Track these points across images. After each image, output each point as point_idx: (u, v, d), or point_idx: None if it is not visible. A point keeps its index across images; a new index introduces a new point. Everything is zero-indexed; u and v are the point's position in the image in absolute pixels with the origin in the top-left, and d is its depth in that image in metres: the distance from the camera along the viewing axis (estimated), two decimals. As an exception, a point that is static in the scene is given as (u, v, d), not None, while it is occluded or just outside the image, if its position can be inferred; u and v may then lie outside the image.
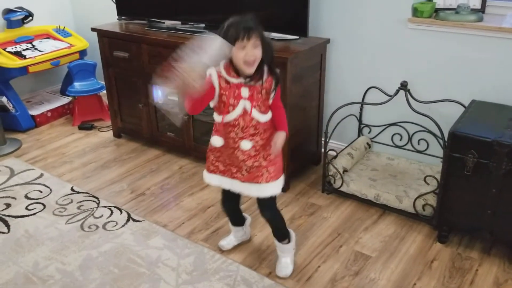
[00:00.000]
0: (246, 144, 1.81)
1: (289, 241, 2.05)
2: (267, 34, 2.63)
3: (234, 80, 1.75)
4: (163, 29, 2.99)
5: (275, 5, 2.58)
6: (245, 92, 1.76)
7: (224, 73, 1.76)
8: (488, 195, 2.02)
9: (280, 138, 1.84)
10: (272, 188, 1.89)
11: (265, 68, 1.76)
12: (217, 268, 2.09)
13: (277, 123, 1.88)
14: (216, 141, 1.86)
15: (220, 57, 1.63)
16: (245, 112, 1.78)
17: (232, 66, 1.73)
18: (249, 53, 1.66)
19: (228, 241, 2.22)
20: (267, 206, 1.96)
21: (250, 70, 1.70)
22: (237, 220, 2.20)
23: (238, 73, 1.74)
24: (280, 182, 1.91)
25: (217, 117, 1.84)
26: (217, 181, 1.95)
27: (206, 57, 1.58)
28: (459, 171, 2.05)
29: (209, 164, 1.94)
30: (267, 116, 1.83)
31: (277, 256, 2.10)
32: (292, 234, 2.07)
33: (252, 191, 1.89)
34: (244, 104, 1.77)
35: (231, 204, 2.11)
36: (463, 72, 2.44)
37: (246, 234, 2.26)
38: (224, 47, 1.60)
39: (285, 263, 2.06)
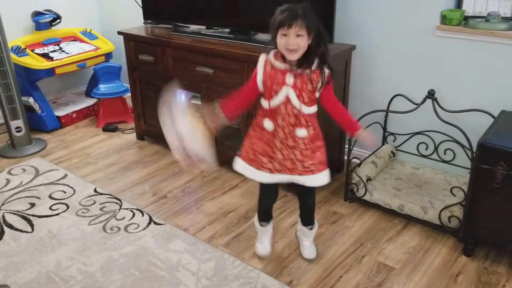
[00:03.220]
0: (301, 132, 1.82)
1: (312, 227, 2.15)
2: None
3: (279, 65, 1.78)
4: (188, 34, 3.01)
5: (301, 10, 2.57)
6: (289, 79, 1.77)
7: (271, 58, 1.80)
8: (517, 208, 1.96)
9: (365, 137, 1.86)
10: (313, 180, 1.92)
11: (316, 60, 1.76)
12: (238, 274, 2.08)
13: (343, 123, 1.89)
14: (267, 124, 1.86)
15: None
16: (287, 100, 1.79)
17: (281, 55, 1.77)
18: (290, 41, 1.68)
19: (264, 245, 2.18)
20: (310, 194, 2.03)
21: (291, 57, 1.72)
22: (268, 215, 2.17)
23: (285, 59, 1.77)
24: (321, 175, 1.93)
25: (262, 102, 1.87)
26: (244, 170, 1.96)
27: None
28: (487, 183, 1.99)
29: (242, 151, 1.98)
30: (311, 109, 1.82)
31: (298, 241, 2.23)
32: (316, 221, 2.17)
33: (284, 179, 1.93)
34: (287, 91, 1.78)
35: (270, 200, 2.11)
36: (492, 81, 2.39)
37: (271, 230, 2.23)
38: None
39: (310, 245, 2.17)
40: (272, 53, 1.82)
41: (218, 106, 1.86)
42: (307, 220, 2.14)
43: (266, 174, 1.92)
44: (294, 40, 1.68)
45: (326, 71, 1.79)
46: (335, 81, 2.60)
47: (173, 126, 1.76)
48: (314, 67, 1.76)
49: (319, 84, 1.79)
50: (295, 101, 1.78)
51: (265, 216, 2.17)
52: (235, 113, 1.90)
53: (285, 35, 1.68)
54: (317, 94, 1.83)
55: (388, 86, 2.72)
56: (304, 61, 1.74)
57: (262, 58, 1.84)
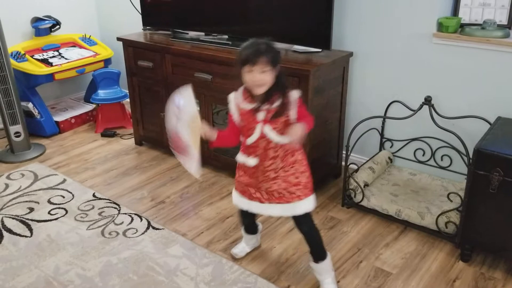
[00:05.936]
0: (281, 163, 1.84)
1: (323, 260, 1.98)
2: (288, 47, 2.68)
3: (247, 106, 1.81)
4: (187, 40, 3.03)
5: (299, 17, 2.59)
6: (261, 115, 1.80)
7: (240, 99, 1.84)
8: (513, 214, 1.98)
9: (297, 127, 1.74)
10: (300, 207, 1.90)
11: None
12: (235, 279, 2.09)
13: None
14: (239, 157, 1.92)
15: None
16: (263, 135, 1.82)
17: (248, 90, 1.80)
18: (255, 77, 1.71)
19: (241, 249, 2.25)
20: (302, 222, 1.96)
21: (258, 91, 1.74)
22: (252, 229, 2.23)
23: (253, 97, 1.79)
24: (308, 201, 1.92)
25: (242, 138, 1.91)
26: (238, 201, 2.02)
27: (189, 108, 1.75)
28: (483, 189, 2.01)
29: (235, 183, 2.02)
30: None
31: (317, 282, 2.04)
32: (328, 254, 2.01)
33: (275, 211, 1.93)
34: (261, 127, 1.81)
35: (248, 216, 2.14)
36: (488, 88, 2.41)
37: (258, 241, 2.30)
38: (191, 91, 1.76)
39: (328, 285, 1.99)
40: (240, 91, 1.84)
41: (216, 131, 1.88)
42: (312, 251, 1.99)
43: (257, 204, 1.94)
44: (259, 77, 1.70)
45: (292, 97, 1.78)
46: (332, 88, 2.65)
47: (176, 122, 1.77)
48: (279, 99, 1.77)
49: (290, 112, 1.79)
50: (271, 135, 1.80)
51: (247, 229, 2.22)
52: (223, 144, 1.95)
53: (250, 71, 1.71)
54: (293, 118, 1.81)
55: (385, 92, 2.75)
56: (269, 95, 1.75)
57: (232, 98, 1.87)
